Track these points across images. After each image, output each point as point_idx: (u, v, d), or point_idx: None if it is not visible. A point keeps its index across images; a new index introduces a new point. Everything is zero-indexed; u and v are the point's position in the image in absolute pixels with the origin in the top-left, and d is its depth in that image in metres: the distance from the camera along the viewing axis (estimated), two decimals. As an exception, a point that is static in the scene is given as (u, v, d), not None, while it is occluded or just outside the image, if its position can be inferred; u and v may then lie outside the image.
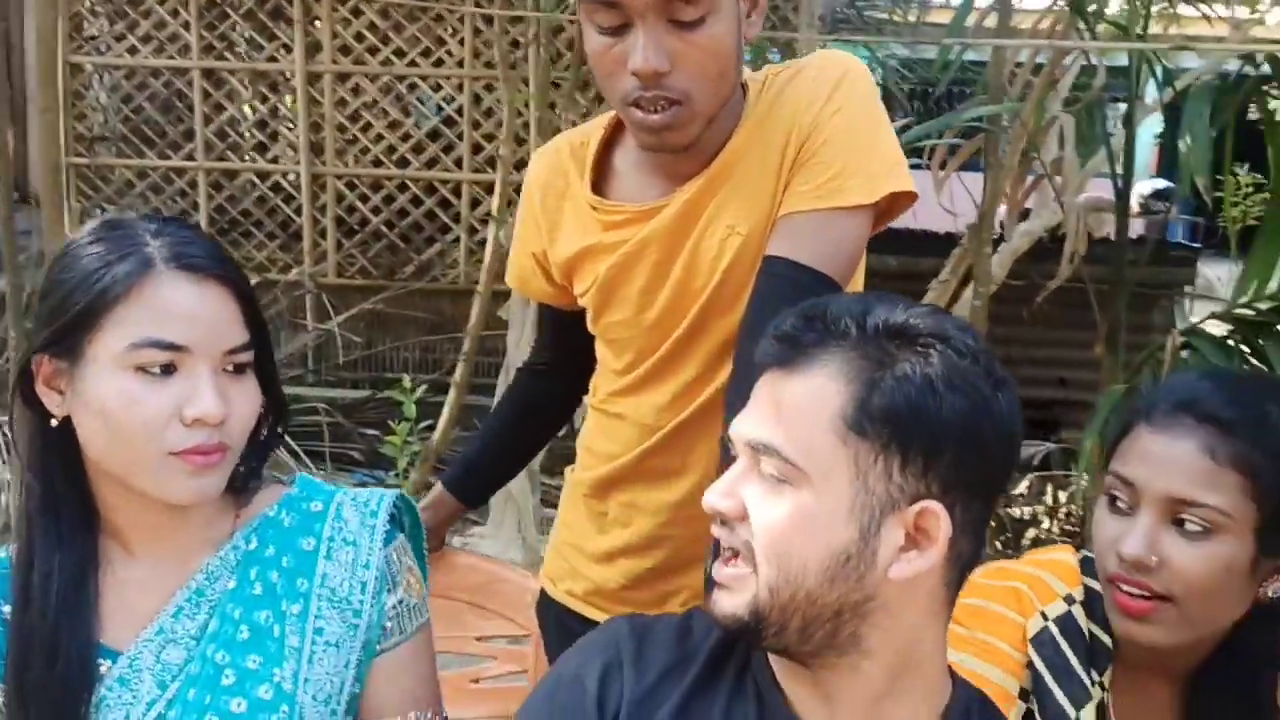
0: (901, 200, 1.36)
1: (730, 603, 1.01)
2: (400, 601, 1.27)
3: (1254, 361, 2.84)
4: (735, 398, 1.28)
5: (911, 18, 3.64)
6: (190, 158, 5.63)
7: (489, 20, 5.11)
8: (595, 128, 1.51)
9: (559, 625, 1.62)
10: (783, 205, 1.35)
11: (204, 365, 1.12)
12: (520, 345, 2.72)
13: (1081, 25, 3.53)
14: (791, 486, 0.97)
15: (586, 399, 1.64)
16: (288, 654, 1.20)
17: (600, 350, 1.56)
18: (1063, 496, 4.56)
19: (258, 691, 1.18)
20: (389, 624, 1.26)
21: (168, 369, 1.11)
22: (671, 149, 1.34)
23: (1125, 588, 1.21)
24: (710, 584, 1.25)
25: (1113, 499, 1.24)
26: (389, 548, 1.27)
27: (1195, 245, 5.39)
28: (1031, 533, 4.31)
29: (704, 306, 1.40)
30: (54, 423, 1.15)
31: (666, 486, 1.49)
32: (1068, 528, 4.43)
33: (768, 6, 1.34)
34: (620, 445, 1.52)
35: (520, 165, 4.41)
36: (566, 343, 1.66)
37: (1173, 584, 1.19)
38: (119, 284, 1.10)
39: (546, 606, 1.66)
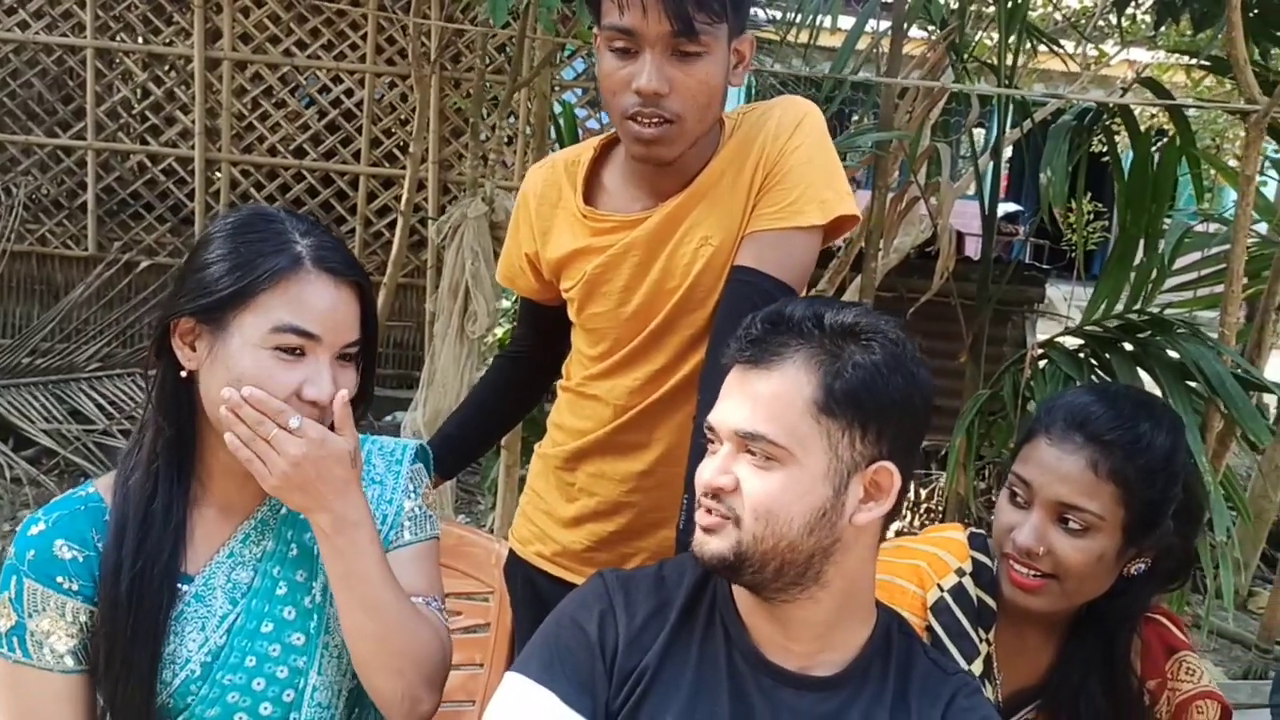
0: (846, 222, 1.58)
1: (716, 545, 1.21)
2: (417, 507, 1.45)
3: (1101, 373, 3.19)
4: (710, 384, 1.51)
5: (803, 38, 3.89)
6: (80, 137, 5.59)
7: (391, 19, 5.22)
8: (586, 148, 1.70)
9: (527, 583, 1.81)
10: (749, 223, 1.56)
11: (326, 354, 1.28)
12: (448, 336, 2.89)
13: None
14: (779, 464, 1.18)
15: (559, 383, 1.82)
16: (319, 570, 1.37)
17: (577, 339, 1.74)
18: (923, 493, 4.93)
19: (304, 601, 1.37)
20: (404, 525, 1.43)
21: (299, 352, 1.27)
22: (657, 162, 1.54)
23: (1018, 567, 1.47)
24: (683, 542, 1.47)
25: (1013, 493, 1.50)
26: (412, 468, 1.46)
27: (1045, 267, 5.80)
28: (896, 525, 4.63)
29: (676, 304, 1.60)
30: (184, 374, 1.29)
31: (632, 458, 1.69)
32: (927, 521, 4.78)
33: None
34: (593, 422, 1.70)
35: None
36: (543, 333, 1.87)
37: (1056, 568, 1.45)
38: (273, 274, 1.25)
39: (515, 566, 1.84)
